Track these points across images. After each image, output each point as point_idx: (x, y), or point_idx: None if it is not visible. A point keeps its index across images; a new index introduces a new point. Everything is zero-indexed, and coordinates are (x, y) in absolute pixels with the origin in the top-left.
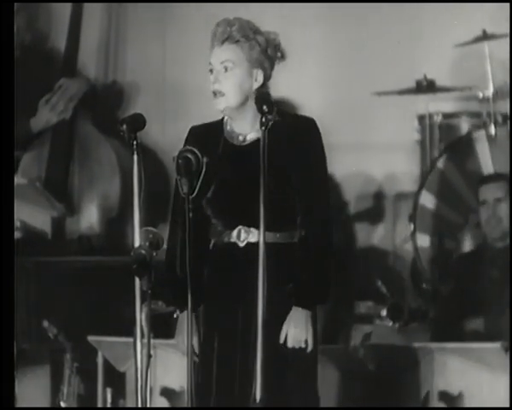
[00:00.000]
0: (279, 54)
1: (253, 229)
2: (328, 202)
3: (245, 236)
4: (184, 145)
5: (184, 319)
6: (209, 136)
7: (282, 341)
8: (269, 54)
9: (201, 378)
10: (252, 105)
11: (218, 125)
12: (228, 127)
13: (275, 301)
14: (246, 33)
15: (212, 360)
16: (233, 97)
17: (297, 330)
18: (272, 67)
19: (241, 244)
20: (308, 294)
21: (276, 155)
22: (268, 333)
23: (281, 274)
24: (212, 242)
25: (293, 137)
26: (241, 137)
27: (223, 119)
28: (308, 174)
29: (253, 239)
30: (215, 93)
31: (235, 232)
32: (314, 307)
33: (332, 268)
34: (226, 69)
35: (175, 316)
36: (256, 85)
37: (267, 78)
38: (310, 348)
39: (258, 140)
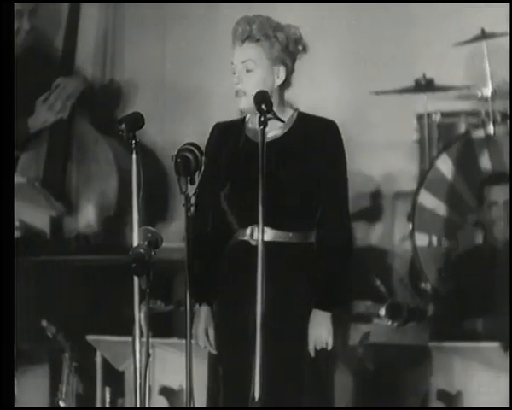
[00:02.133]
0: (300, 47)
1: (266, 228)
2: (348, 204)
3: (257, 234)
4: (208, 141)
5: (200, 312)
6: (231, 132)
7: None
8: (290, 50)
9: (212, 375)
10: (274, 103)
11: (241, 123)
12: (250, 125)
13: (287, 301)
14: (266, 32)
15: (226, 360)
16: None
17: (318, 333)
18: (294, 62)
19: (254, 243)
20: (328, 296)
21: (296, 154)
22: (280, 334)
23: (293, 274)
24: (230, 240)
25: (315, 138)
26: None
27: (245, 116)
28: (329, 176)
29: (266, 238)
30: (237, 92)
31: (248, 230)
32: (334, 309)
33: (352, 270)
34: (248, 69)
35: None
36: (278, 82)
37: (289, 73)
38: (330, 347)
39: (278, 138)
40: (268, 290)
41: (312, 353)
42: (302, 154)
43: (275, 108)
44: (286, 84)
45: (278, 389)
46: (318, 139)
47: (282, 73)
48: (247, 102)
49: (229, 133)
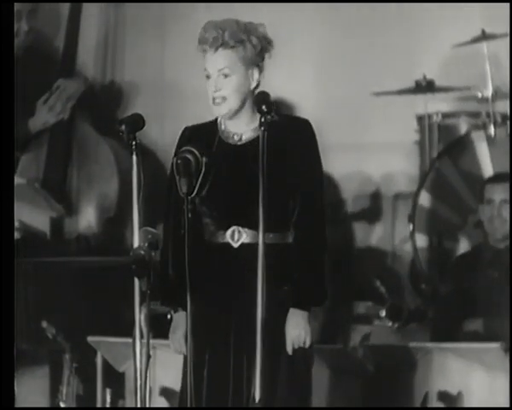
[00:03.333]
0: (269, 45)
1: (247, 229)
2: (324, 203)
3: (239, 236)
4: (177, 146)
5: (178, 319)
6: (203, 135)
7: (287, 346)
8: (261, 51)
9: (193, 380)
10: (249, 105)
11: (213, 125)
12: (222, 127)
13: (269, 302)
14: (239, 37)
15: (203, 362)
16: (234, 101)
17: (296, 332)
18: (263, 60)
19: (236, 245)
20: (305, 296)
21: (270, 155)
22: (263, 334)
23: (273, 275)
24: (206, 242)
25: (289, 137)
26: (236, 137)
27: (217, 119)
28: (303, 175)
29: (247, 240)
30: (215, 99)
31: (229, 233)
32: (311, 308)
33: (327, 269)
34: (225, 76)
35: (168, 317)
36: (254, 84)
37: (261, 73)
38: (307, 345)
39: (254, 140)
40: (249, 292)
41: (290, 351)
42: (276, 154)
43: (248, 111)
44: (258, 84)
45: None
46: (292, 138)
47: (256, 75)
48: (228, 107)
49: (201, 136)
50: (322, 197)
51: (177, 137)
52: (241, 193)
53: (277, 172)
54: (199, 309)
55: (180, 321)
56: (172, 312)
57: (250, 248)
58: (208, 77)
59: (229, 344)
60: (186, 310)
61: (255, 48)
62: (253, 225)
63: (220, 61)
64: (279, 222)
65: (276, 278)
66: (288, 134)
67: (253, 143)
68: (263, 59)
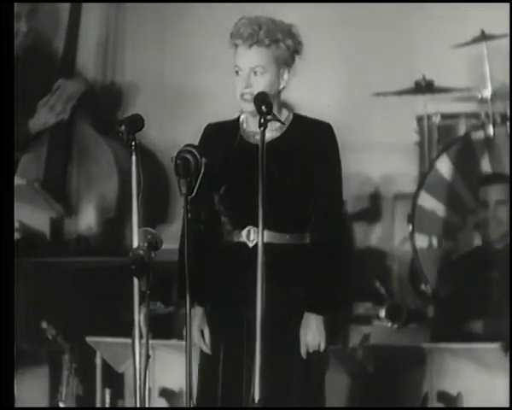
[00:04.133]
0: (301, 48)
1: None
2: (342, 207)
3: (254, 236)
4: (199, 142)
5: (194, 314)
6: (225, 133)
7: (301, 350)
8: (294, 53)
9: (207, 379)
10: (275, 105)
11: (235, 124)
12: (244, 125)
13: (284, 303)
14: (275, 37)
15: (218, 361)
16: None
17: (310, 336)
18: (294, 62)
19: (251, 244)
20: (320, 300)
21: (292, 157)
22: (277, 334)
23: (289, 275)
24: (224, 240)
25: (310, 140)
26: (257, 136)
27: (239, 117)
28: (324, 179)
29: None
30: (244, 95)
31: (244, 232)
32: (326, 312)
33: (344, 275)
34: (256, 73)
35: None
36: (283, 84)
37: (291, 73)
38: (322, 349)
39: (274, 140)
40: (264, 292)
41: (304, 356)
42: (297, 156)
43: (274, 110)
44: (285, 85)
45: (271, 390)
46: (313, 141)
47: (285, 75)
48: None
49: (222, 134)
50: (341, 201)
51: (200, 134)
52: (257, 193)
53: (296, 173)
54: (214, 307)
55: (196, 315)
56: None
57: (266, 248)
58: (238, 72)
59: (243, 343)
60: (203, 305)
61: (289, 48)
62: (269, 226)
63: (254, 58)
64: (296, 223)
65: (291, 279)
66: (309, 136)
67: (273, 143)
68: (294, 60)
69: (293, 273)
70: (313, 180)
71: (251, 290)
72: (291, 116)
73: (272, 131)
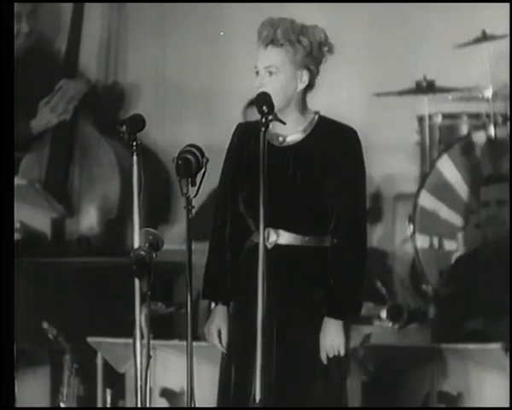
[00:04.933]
0: (326, 49)
1: (281, 231)
2: (365, 212)
3: (273, 237)
4: (231, 141)
5: (216, 312)
6: (251, 134)
7: (322, 355)
8: (314, 54)
9: (225, 377)
10: (295, 106)
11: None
12: (270, 127)
13: (302, 305)
14: (289, 37)
15: (239, 360)
16: (276, 100)
17: (329, 341)
18: (319, 65)
19: (270, 245)
20: (340, 304)
21: (315, 158)
22: (294, 336)
23: (308, 278)
24: (247, 242)
25: (334, 144)
26: (280, 138)
27: None
28: (348, 183)
29: (281, 241)
30: None
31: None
32: (345, 316)
33: (364, 280)
34: (270, 74)
35: (212, 306)
36: (302, 86)
37: (314, 76)
38: (342, 353)
39: (297, 142)
40: (282, 293)
41: (324, 360)
42: (320, 159)
43: (294, 112)
44: (309, 87)
45: (290, 392)
46: (337, 146)
47: (305, 77)
48: None
49: (250, 135)
50: (364, 207)
51: (231, 133)
52: (277, 195)
53: (319, 176)
54: (235, 307)
55: (217, 314)
56: (213, 304)
57: (283, 250)
58: (258, 73)
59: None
60: (226, 305)
61: (305, 50)
62: (288, 227)
63: (268, 57)
64: (316, 225)
65: (310, 281)
66: (334, 140)
67: (296, 145)
68: (317, 63)
69: (311, 276)
70: (336, 184)
71: (271, 290)
72: (316, 118)
73: (296, 133)
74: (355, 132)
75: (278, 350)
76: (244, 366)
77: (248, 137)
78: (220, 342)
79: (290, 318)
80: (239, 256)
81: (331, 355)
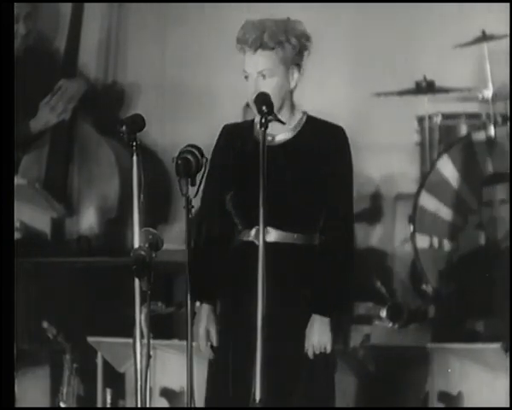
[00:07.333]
0: (308, 43)
1: (270, 228)
2: (352, 210)
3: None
4: (217, 143)
5: (201, 312)
6: (239, 134)
7: (308, 351)
8: (301, 50)
9: (216, 378)
10: (287, 106)
11: (249, 125)
12: (258, 126)
13: (290, 303)
14: (278, 38)
15: (227, 360)
16: (273, 102)
17: (316, 338)
18: (303, 59)
19: (259, 243)
20: (327, 302)
21: (304, 157)
22: (283, 335)
23: (296, 276)
24: (234, 240)
25: (322, 143)
26: (269, 138)
27: (254, 119)
28: (336, 181)
29: (271, 239)
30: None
31: (253, 231)
32: (333, 314)
33: (352, 277)
34: (264, 77)
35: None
36: (293, 84)
37: (300, 72)
38: (328, 350)
39: (286, 141)
40: (271, 291)
41: (311, 356)
42: (309, 157)
43: (286, 111)
44: (297, 84)
45: (277, 390)
46: (325, 144)
47: (295, 74)
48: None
49: (237, 135)
50: (352, 204)
51: (217, 134)
52: (266, 193)
53: (307, 175)
54: (223, 307)
55: (203, 314)
56: (199, 304)
57: (273, 248)
58: (247, 77)
59: (250, 343)
60: (212, 304)
61: (295, 48)
62: (278, 225)
63: (260, 62)
64: (306, 223)
65: (299, 279)
66: (322, 138)
67: (285, 144)
68: (302, 57)
69: (300, 274)
70: (324, 182)
71: (256, 289)
72: (304, 118)
73: (285, 133)
74: (343, 130)
75: (265, 348)
76: (235, 364)
77: (235, 138)
78: (210, 342)
79: (278, 316)
80: (226, 255)
81: (317, 352)
